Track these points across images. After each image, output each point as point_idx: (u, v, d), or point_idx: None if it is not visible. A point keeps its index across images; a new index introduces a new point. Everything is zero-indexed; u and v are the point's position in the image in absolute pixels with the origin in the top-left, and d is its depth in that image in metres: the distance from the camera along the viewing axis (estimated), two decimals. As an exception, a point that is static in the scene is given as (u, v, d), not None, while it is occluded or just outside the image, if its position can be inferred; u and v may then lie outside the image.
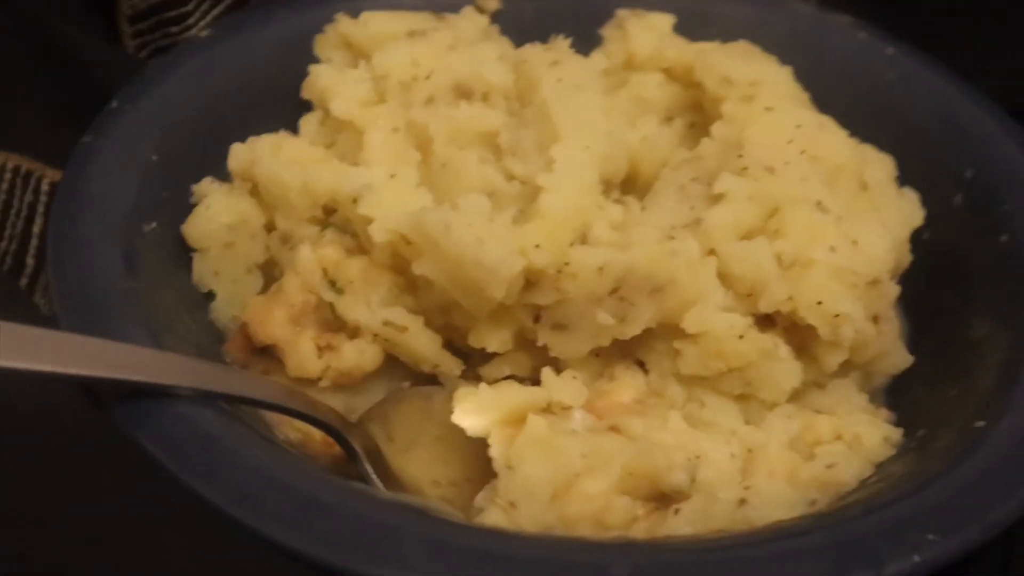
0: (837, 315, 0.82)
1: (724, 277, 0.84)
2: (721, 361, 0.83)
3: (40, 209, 0.94)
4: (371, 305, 0.86)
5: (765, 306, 0.83)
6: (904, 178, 0.96)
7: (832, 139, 0.92)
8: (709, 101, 0.96)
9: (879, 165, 0.95)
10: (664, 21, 1.02)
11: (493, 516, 0.76)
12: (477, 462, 0.80)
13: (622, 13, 1.04)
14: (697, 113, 0.99)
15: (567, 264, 0.80)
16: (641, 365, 0.86)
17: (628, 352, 0.86)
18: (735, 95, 0.94)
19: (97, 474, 0.69)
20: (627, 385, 0.85)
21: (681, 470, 0.79)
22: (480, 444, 0.79)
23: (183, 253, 0.91)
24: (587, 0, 1.09)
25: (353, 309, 0.85)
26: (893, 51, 1.05)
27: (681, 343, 0.83)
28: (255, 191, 0.92)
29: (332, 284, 0.86)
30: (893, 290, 0.88)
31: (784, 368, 0.84)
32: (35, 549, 0.63)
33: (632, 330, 0.82)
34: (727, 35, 1.02)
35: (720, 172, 0.88)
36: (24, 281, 0.96)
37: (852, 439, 0.84)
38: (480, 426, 0.79)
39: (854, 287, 0.84)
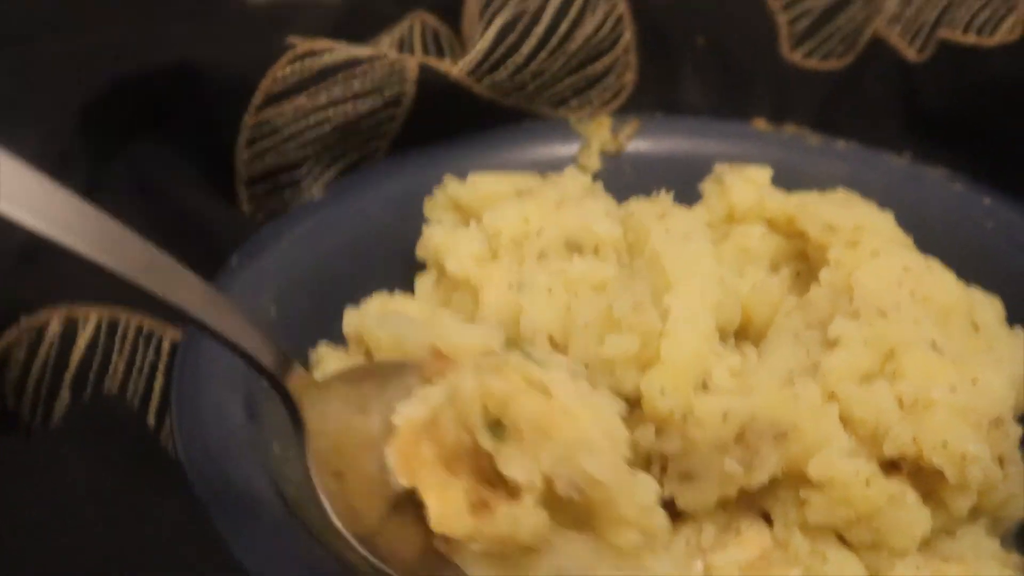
0: (964, 455, 0.82)
1: (846, 421, 0.84)
2: (849, 508, 0.82)
3: (161, 368, 0.95)
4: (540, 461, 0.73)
5: (889, 449, 0.83)
6: (1011, 322, 0.96)
7: (940, 280, 0.93)
8: (814, 249, 0.98)
9: (988, 306, 0.95)
10: (762, 174, 1.04)
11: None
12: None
13: (720, 168, 1.06)
14: (802, 261, 1.00)
15: (691, 411, 0.81)
16: (766, 517, 0.86)
17: (753, 503, 0.85)
18: (840, 241, 0.95)
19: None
20: (752, 541, 0.84)
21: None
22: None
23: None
24: (683, 157, 1.12)
25: (512, 464, 0.73)
26: (990, 201, 1.06)
27: (807, 491, 0.83)
28: (369, 353, 0.94)
29: (496, 426, 0.74)
30: (1016, 430, 0.87)
31: (913, 515, 0.83)
32: None
33: (759, 478, 0.82)
34: (822, 190, 1.04)
35: (832, 317, 0.89)
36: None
37: (983, 585, 0.83)
38: None
39: (978, 427, 0.83)
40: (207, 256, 0.99)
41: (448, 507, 0.74)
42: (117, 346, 0.95)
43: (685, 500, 0.82)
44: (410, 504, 0.74)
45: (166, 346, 0.96)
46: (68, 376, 0.93)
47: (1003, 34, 1.09)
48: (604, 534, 0.73)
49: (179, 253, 1.02)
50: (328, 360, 0.93)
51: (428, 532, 0.73)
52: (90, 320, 0.95)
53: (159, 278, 0.69)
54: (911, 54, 1.15)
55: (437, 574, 0.73)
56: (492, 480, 0.73)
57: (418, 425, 0.76)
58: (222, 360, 0.87)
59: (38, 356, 0.93)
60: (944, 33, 1.12)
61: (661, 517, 0.74)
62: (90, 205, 0.67)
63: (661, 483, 0.82)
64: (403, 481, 0.75)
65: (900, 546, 0.83)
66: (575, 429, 0.71)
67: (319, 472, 0.75)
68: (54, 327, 0.94)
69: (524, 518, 0.72)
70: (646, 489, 0.74)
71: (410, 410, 0.76)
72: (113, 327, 0.95)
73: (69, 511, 0.76)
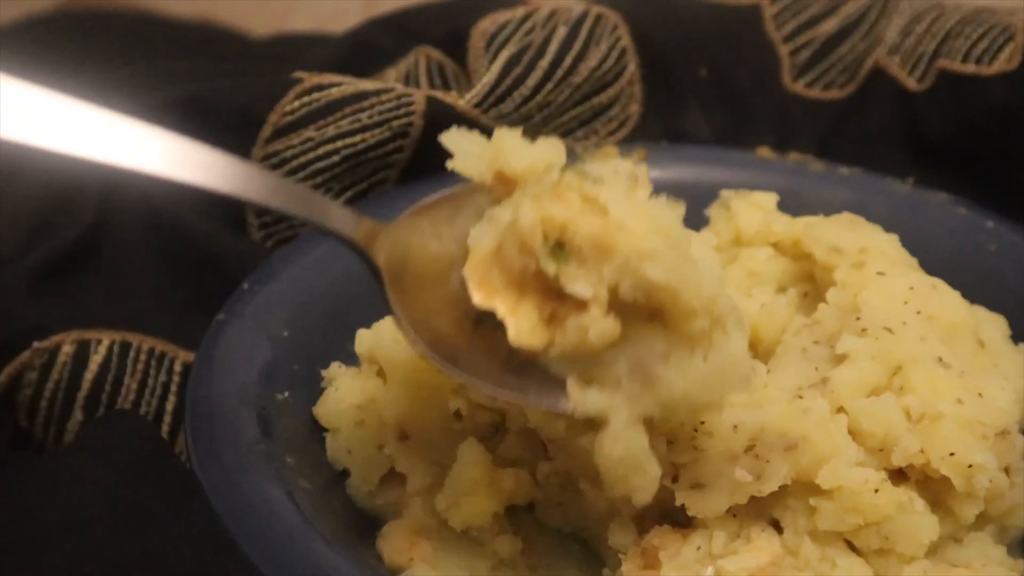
0: (970, 466, 0.83)
1: (854, 433, 0.85)
2: (858, 515, 0.82)
3: (173, 388, 0.96)
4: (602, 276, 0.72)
5: (897, 460, 0.84)
6: (1016, 340, 0.97)
7: (946, 299, 0.94)
8: (820, 270, 0.99)
9: (993, 324, 0.97)
10: (769, 199, 1.06)
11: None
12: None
13: (726, 193, 1.08)
14: (809, 283, 1.01)
15: (702, 423, 0.81)
16: (775, 524, 0.86)
17: (763, 511, 0.86)
18: (846, 263, 0.96)
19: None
20: (762, 548, 0.84)
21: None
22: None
23: (317, 428, 0.93)
24: (689, 185, 1.13)
25: (576, 282, 0.73)
26: (993, 224, 1.07)
27: (816, 499, 0.83)
28: (382, 372, 0.95)
29: (558, 247, 0.73)
30: (1021, 441, 0.88)
31: (921, 521, 0.83)
32: None
33: (769, 487, 0.82)
34: (827, 216, 1.05)
35: (840, 334, 0.90)
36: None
37: (989, 592, 0.83)
38: None
39: (984, 438, 0.84)
40: (219, 282, 1.00)
41: (523, 324, 0.75)
42: (129, 367, 0.96)
43: (696, 508, 0.82)
44: (491, 316, 0.75)
45: (178, 367, 0.98)
46: (80, 396, 0.95)
47: (1001, 63, 1.11)
48: (674, 324, 0.73)
49: (191, 280, 1.05)
50: (340, 379, 0.94)
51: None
52: (102, 342, 0.96)
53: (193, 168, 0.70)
54: (911, 83, 1.17)
55: (523, 380, 0.76)
56: (562, 294, 0.73)
57: (487, 252, 0.76)
58: (235, 378, 0.89)
59: (51, 377, 0.94)
60: (943, 63, 1.14)
61: (727, 301, 0.74)
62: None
63: (673, 492, 0.82)
64: (480, 303, 0.75)
65: (908, 552, 0.83)
66: (633, 242, 0.71)
67: (402, 308, 0.77)
68: (67, 349, 0.95)
69: (593, 326, 0.72)
70: (710, 279, 0.73)
71: (480, 233, 0.76)
72: (125, 349, 0.96)
73: (84, 520, 0.76)
